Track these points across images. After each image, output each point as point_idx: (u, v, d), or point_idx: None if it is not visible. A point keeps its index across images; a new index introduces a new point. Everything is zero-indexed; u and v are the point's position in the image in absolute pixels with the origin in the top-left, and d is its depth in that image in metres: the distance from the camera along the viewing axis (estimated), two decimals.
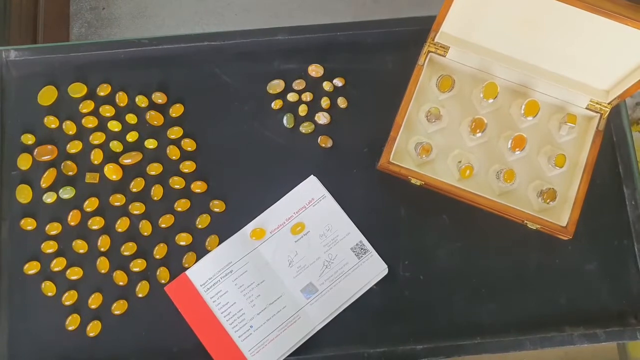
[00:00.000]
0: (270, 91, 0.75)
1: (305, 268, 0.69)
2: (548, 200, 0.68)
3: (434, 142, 0.71)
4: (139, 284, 0.70)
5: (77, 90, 0.75)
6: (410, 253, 0.71)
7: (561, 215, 0.70)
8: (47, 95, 0.74)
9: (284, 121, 0.74)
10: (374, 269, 0.70)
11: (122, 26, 1.54)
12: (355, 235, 0.70)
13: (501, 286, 0.70)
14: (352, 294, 0.69)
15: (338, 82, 0.75)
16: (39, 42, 1.37)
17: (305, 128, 0.74)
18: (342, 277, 0.69)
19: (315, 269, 0.69)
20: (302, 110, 0.74)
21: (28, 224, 0.71)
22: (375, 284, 0.69)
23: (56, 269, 0.70)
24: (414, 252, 0.71)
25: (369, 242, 0.70)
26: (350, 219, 0.71)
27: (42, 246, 0.70)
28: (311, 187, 0.72)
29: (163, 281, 0.70)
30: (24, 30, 1.37)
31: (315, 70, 0.75)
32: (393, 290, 0.70)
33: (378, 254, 0.70)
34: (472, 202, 0.70)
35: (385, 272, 0.70)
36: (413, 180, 0.70)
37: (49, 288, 0.70)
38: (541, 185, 0.71)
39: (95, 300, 0.69)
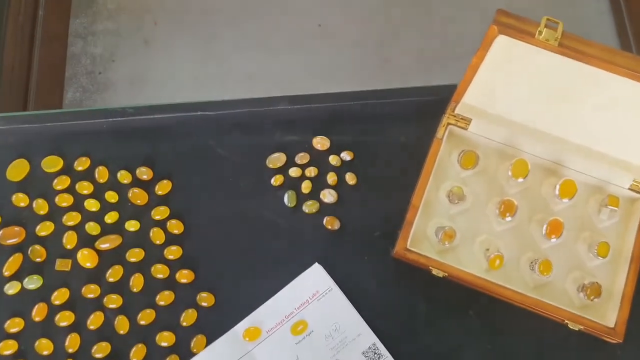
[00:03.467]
0: (270, 165, 0.66)
1: None
2: (592, 297, 0.58)
3: (456, 226, 0.61)
4: None
5: (52, 164, 0.66)
6: (433, 357, 0.60)
7: (607, 314, 0.60)
8: (18, 170, 0.66)
9: (285, 199, 0.65)
10: None
11: (118, 91, 1.48)
12: (368, 337, 0.60)
13: None
14: None
15: (346, 155, 0.66)
16: (29, 108, 1.31)
17: (309, 207, 0.65)
18: None
19: None
20: (306, 187, 0.65)
21: None
22: None
23: None
24: (437, 357, 0.60)
25: (384, 344, 0.60)
26: (362, 316, 0.61)
27: None
28: (315, 278, 0.62)
29: None
30: (15, 96, 1.31)
31: (320, 143, 0.67)
32: None
33: (395, 359, 0.59)
34: (503, 297, 0.60)
35: None
36: (434, 271, 0.61)
37: None
38: (582, 277, 0.61)
39: None
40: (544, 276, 0.59)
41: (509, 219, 0.61)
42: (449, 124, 0.65)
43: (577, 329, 0.59)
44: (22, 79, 1.30)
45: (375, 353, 0.59)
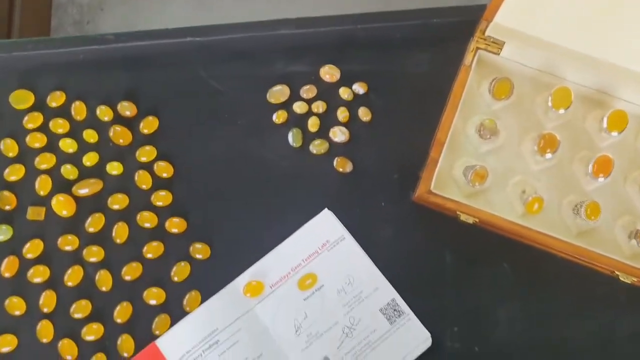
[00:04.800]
0: (272, 100, 0.57)
1: (318, 337, 0.51)
2: None
3: (487, 166, 0.53)
4: (94, 358, 0.51)
5: (22, 99, 0.57)
6: (461, 316, 0.52)
7: None
8: None
9: (290, 138, 0.56)
10: (413, 338, 0.51)
11: None
12: (386, 292, 0.52)
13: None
14: None
15: (359, 88, 0.58)
16: None
17: (317, 147, 0.56)
18: (369, 350, 0.51)
19: (332, 338, 0.51)
20: (313, 124, 0.57)
21: None
22: (416, 359, 0.51)
23: None
24: (466, 315, 0.52)
25: (405, 300, 0.52)
26: (379, 268, 0.53)
27: None
28: (325, 225, 0.54)
29: (126, 354, 0.52)
30: None
31: (329, 74, 0.58)
32: None
33: (417, 317, 0.52)
34: (542, 246, 0.52)
35: (429, 342, 0.51)
36: (463, 217, 0.52)
37: None
38: (633, 223, 0.53)
39: None
40: (590, 221, 0.51)
41: (549, 155, 0.53)
42: (478, 48, 0.56)
43: (628, 282, 0.51)
44: (3, 29, 1.19)
45: (394, 310, 0.52)
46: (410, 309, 0.52)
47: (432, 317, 0.52)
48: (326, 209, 0.54)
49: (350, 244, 0.53)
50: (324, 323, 0.51)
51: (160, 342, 0.51)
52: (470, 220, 0.52)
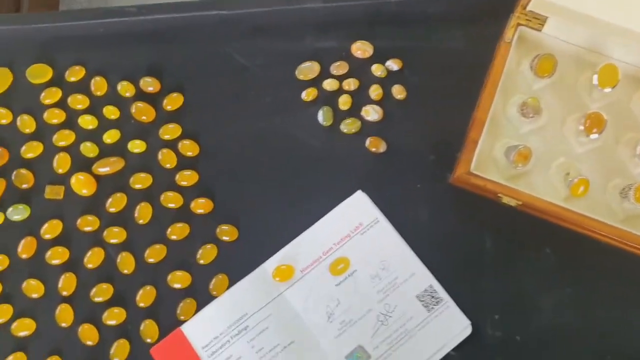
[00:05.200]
0: (301, 77, 0.55)
1: (351, 324, 0.49)
2: None
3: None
4: (115, 344, 0.49)
5: (39, 73, 0.55)
6: (502, 303, 0.50)
7: None
8: None
9: (320, 117, 0.54)
10: (452, 326, 0.49)
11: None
12: (423, 278, 0.50)
13: (633, 351, 0.49)
14: None
15: (393, 64, 0.55)
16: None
17: (349, 126, 0.54)
18: (406, 339, 0.48)
19: (366, 325, 0.49)
20: (344, 102, 0.54)
21: None
22: (454, 349, 0.48)
23: None
24: (507, 302, 0.50)
25: (443, 287, 0.49)
26: (415, 253, 0.50)
27: None
28: (359, 208, 0.51)
29: (149, 340, 0.49)
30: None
31: (361, 50, 0.55)
32: (479, 358, 0.49)
33: (456, 304, 0.49)
34: (587, 230, 0.50)
35: (468, 330, 0.49)
36: (505, 199, 0.50)
37: None
38: None
39: None
40: (639, 205, 0.49)
41: (595, 136, 0.50)
42: (519, 24, 0.53)
43: None
44: (12, 2, 1.16)
45: (432, 297, 0.49)
46: (449, 295, 0.49)
47: (471, 304, 0.49)
48: (359, 191, 0.52)
49: (385, 227, 0.51)
50: (358, 310, 0.49)
51: (186, 328, 0.48)
52: (513, 203, 0.50)
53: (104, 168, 0.53)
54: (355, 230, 0.51)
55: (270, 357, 0.48)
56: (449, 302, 0.49)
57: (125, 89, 0.54)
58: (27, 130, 0.54)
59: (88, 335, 0.49)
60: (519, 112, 0.51)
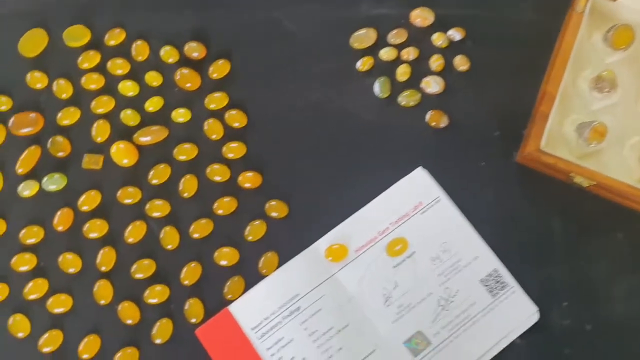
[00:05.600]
0: (356, 45, 0.51)
1: (410, 309, 0.46)
2: None
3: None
4: (157, 324, 0.46)
5: (77, 36, 0.52)
6: (571, 289, 0.47)
7: None
8: (33, 42, 0.51)
9: (376, 88, 0.51)
10: (518, 312, 0.45)
11: None
12: (488, 261, 0.47)
13: None
14: (484, 352, 0.45)
15: (455, 34, 0.51)
16: None
17: (407, 99, 0.50)
18: (469, 325, 0.45)
19: (426, 310, 0.45)
20: (403, 73, 0.51)
21: None
22: (520, 337, 0.45)
23: (32, 297, 0.46)
24: (576, 289, 0.47)
25: (509, 271, 0.46)
26: (479, 234, 0.47)
27: (12, 261, 0.47)
28: (419, 185, 0.48)
29: (194, 320, 0.46)
30: None
31: (421, 17, 0.52)
32: (546, 346, 0.46)
33: (522, 289, 0.46)
34: None
35: (536, 317, 0.45)
36: (577, 180, 0.47)
37: (19, 325, 0.46)
38: None
39: (89, 347, 0.45)
40: None
41: None
42: None
43: None
44: None
45: (497, 282, 0.46)
46: (515, 280, 0.46)
47: (538, 290, 0.46)
48: (420, 167, 0.48)
49: (447, 207, 0.48)
50: (417, 294, 0.46)
51: (233, 308, 0.45)
52: (586, 183, 0.47)
53: (145, 137, 0.49)
54: (415, 209, 0.48)
55: (324, 341, 0.45)
56: (515, 287, 0.46)
57: (169, 54, 0.51)
58: (64, 96, 0.51)
59: (128, 313, 0.46)
60: (592, 87, 0.48)
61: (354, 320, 0.45)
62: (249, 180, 0.49)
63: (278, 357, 0.44)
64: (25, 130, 0.50)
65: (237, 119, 0.50)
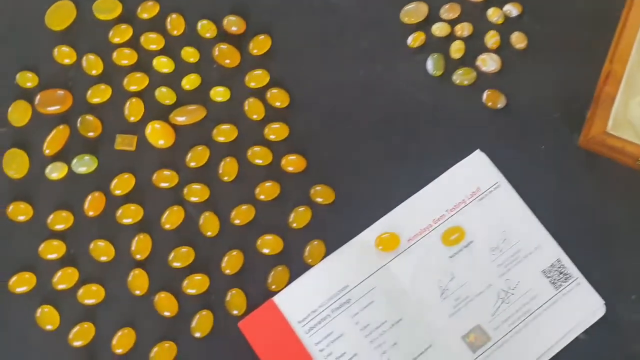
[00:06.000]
0: (406, 20, 0.48)
1: (467, 301, 0.43)
2: None
3: None
4: (197, 316, 0.43)
5: (107, 8, 0.48)
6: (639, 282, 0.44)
7: None
8: (61, 15, 0.48)
9: (429, 66, 0.47)
10: (583, 306, 0.43)
11: None
12: (550, 250, 0.44)
13: None
14: (547, 348, 0.42)
15: (512, 9, 0.48)
16: None
17: (462, 77, 0.47)
18: (530, 319, 0.42)
19: (485, 303, 0.42)
20: (457, 49, 0.48)
21: (19, 211, 0.45)
22: (585, 331, 0.42)
23: (61, 287, 0.43)
24: None
25: (573, 262, 0.43)
26: (541, 222, 0.44)
27: (40, 248, 0.44)
28: (476, 170, 0.45)
29: (236, 312, 0.43)
30: None
31: None
32: (613, 343, 0.43)
33: (588, 281, 0.43)
34: None
35: (602, 311, 0.43)
36: None
37: (48, 317, 0.43)
38: None
39: (123, 341, 0.43)
40: None
41: None
42: None
43: None
44: None
45: (560, 273, 0.43)
46: (580, 271, 0.43)
47: (604, 283, 0.43)
48: (478, 150, 0.45)
49: (507, 193, 0.44)
50: (475, 286, 0.43)
51: (278, 299, 0.42)
52: None
53: (182, 117, 0.46)
54: (472, 195, 0.45)
55: (376, 335, 0.42)
56: (580, 278, 0.43)
57: (206, 28, 0.48)
58: (94, 72, 0.47)
59: (165, 305, 0.43)
60: None
61: (408, 313, 0.42)
62: (292, 163, 0.46)
63: (328, 352, 0.41)
64: (53, 109, 0.46)
65: (279, 98, 0.47)
